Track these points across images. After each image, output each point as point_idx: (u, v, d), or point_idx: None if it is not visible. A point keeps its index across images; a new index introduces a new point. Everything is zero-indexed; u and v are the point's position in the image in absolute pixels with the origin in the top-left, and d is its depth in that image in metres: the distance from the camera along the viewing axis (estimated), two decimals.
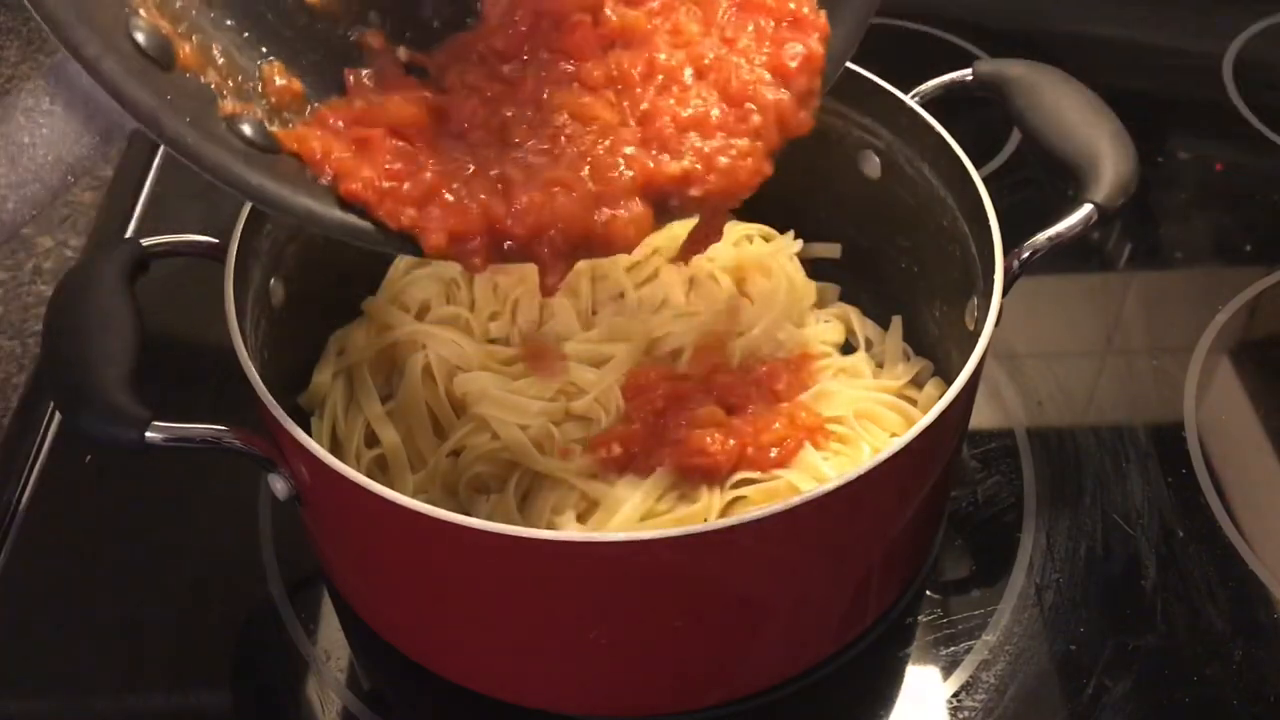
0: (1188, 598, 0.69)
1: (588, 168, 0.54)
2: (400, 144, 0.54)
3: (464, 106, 0.56)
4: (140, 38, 0.48)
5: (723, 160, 0.55)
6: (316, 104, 0.55)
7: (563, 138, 0.55)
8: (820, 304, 0.78)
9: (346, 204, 0.53)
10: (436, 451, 0.67)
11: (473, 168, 0.54)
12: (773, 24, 0.58)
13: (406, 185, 0.53)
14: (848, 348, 0.76)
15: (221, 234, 0.64)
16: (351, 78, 0.56)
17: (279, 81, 0.54)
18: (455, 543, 0.53)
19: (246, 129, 0.52)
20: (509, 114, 0.56)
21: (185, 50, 0.51)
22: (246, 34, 0.54)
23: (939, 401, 0.55)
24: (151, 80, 0.48)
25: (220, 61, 0.52)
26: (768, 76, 0.56)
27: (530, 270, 0.75)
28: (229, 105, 0.52)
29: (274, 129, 0.53)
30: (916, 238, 0.72)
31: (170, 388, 0.77)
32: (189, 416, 0.56)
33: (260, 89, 0.54)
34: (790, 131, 0.56)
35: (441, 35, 0.59)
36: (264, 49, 0.55)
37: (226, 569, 0.71)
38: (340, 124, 0.54)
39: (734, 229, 0.79)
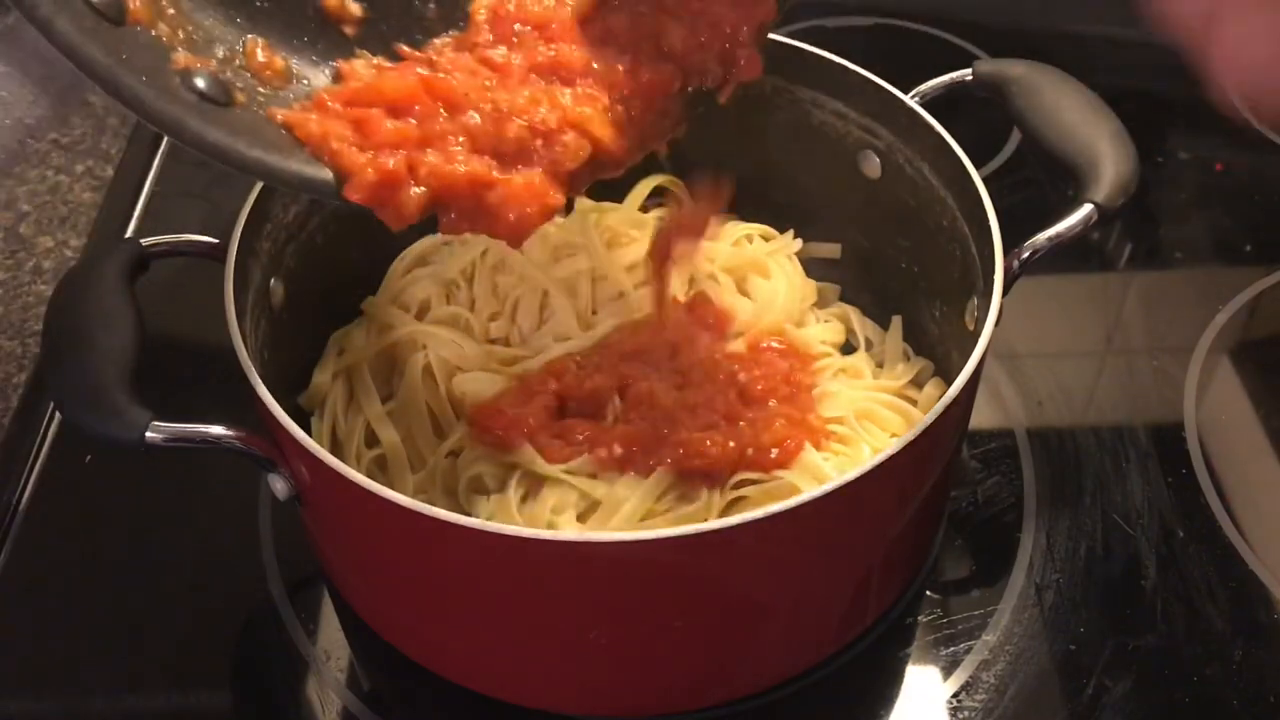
0: (1188, 598, 0.69)
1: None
2: (398, 123, 0.55)
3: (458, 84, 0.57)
4: None
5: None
6: (306, 81, 0.56)
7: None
8: (820, 304, 0.78)
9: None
10: (436, 451, 0.67)
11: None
12: None
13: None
14: (848, 348, 0.76)
15: (221, 234, 0.64)
16: (344, 67, 0.57)
17: (261, 57, 0.55)
18: (455, 543, 0.53)
19: (200, 82, 0.52)
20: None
21: (135, 4, 0.51)
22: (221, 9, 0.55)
23: (939, 401, 0.55)
24: (105, 38, 0.48)
25: (170, 13, 0.52)
26: None
27: (531, 271, 0.76)
28: (182, 59, 0.52)
29: (262, 103, 0.54)
30: (916, 238, 0.72)
31: (170, 388, 0.77)
32: (189, 416, 0.56)
33: (243, 63, 0.54)
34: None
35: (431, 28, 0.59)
36: (238, 20, 0.55)
37: (226, 569, 0.71)
38: (337, 106, 0.55)
39: (734, 229, 0.79)
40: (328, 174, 0.54)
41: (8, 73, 0.49)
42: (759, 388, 0.67)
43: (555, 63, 0.57)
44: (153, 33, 0.51)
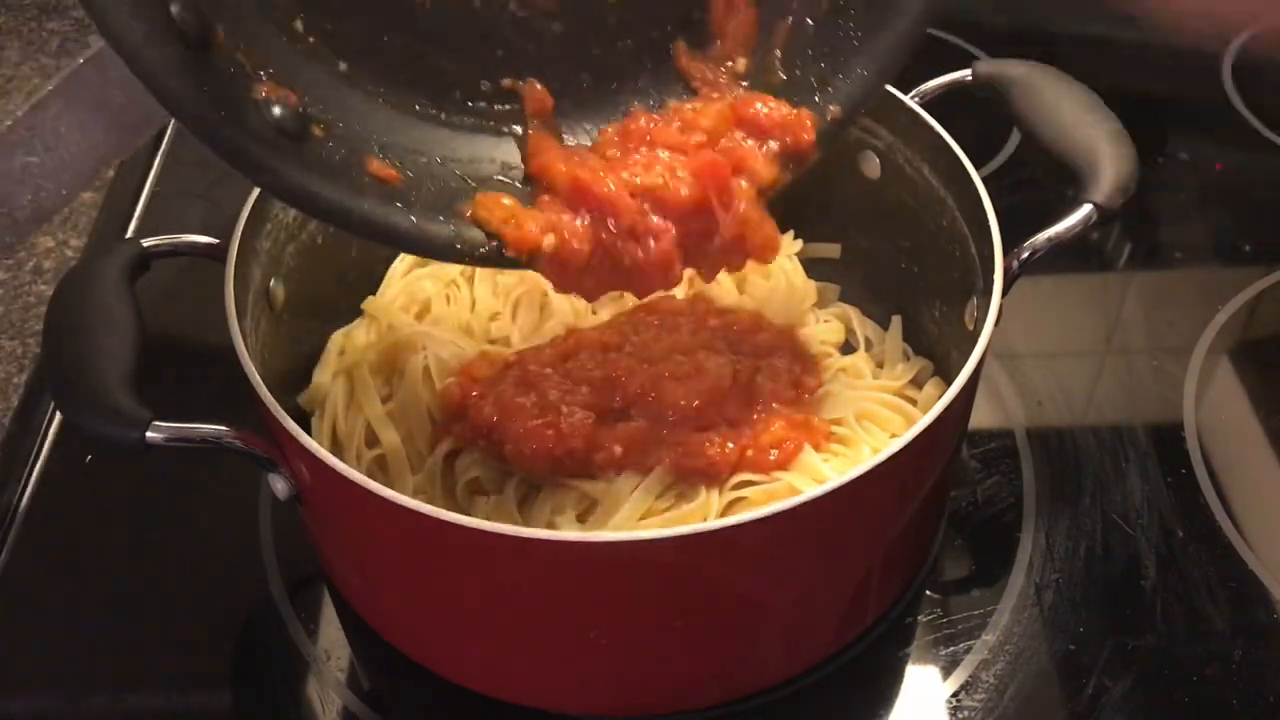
0: (1187, 598, 0.69)
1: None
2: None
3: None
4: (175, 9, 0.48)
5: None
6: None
7: None
8: (820, 304, 0.78)
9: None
10: (433, 453, 0.67)
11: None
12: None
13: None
14: (848, 348, 0.76)
15: (222, 234, 0.64)
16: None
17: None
18: (455, 543, 0.53)
19: (277, 110, 0.52)
20: None
21: (220, 35, 0.50)
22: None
23: (939, 401, 0.55)
24: (188, 68, 0.48)
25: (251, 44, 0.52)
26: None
27: (529, 271, 0.76)
28: (263, 89, 0.52)
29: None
30: (916, 238, 0.72)
31: (170, 388, 0.77)
32: (189, 416, 0.56)
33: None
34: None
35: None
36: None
37: (226, 569, 0.71)
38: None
39: None
40: (444, 231, 0.55)
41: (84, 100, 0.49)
42: (767, 388, 0.67)
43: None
44: (237, 58, 0.51)
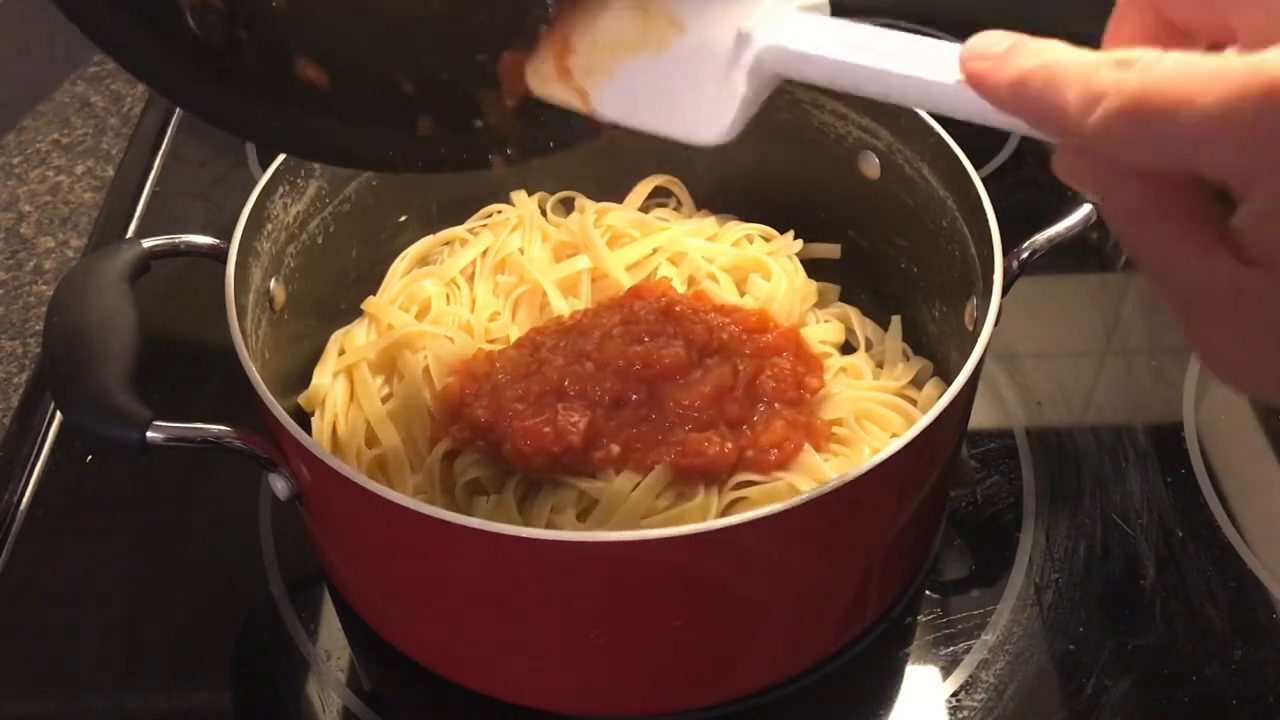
0: (1187, 597, 0.69)
1: None
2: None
3: None
4: None
5: None
6: None
7: None
8: (820, 304, 0.78)
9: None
10: (431, 453, 0.67)
11: None
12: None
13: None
14: (848, 348, 0.76)
15: (222, 234, 0.64)
16: None
17: None
18: (455, 543, 0.53)
19: (201, 18, 0.49)
20: None
21: None
22: None
23: (939, 401, 0.55)
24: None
25: None
26: None
27: (531, 271, 0.76)
28: None
29: None
30: (916, 238, 0.72)
31: (171, 388, 0.78)
32: (190, 416, 0.56)
33: None
34: None
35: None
36: None
37: (226, 569, 0.71)
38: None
39: (734, 229, 0.79)
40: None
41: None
42: (770, 387, 0.67)
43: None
44: None
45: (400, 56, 0.51)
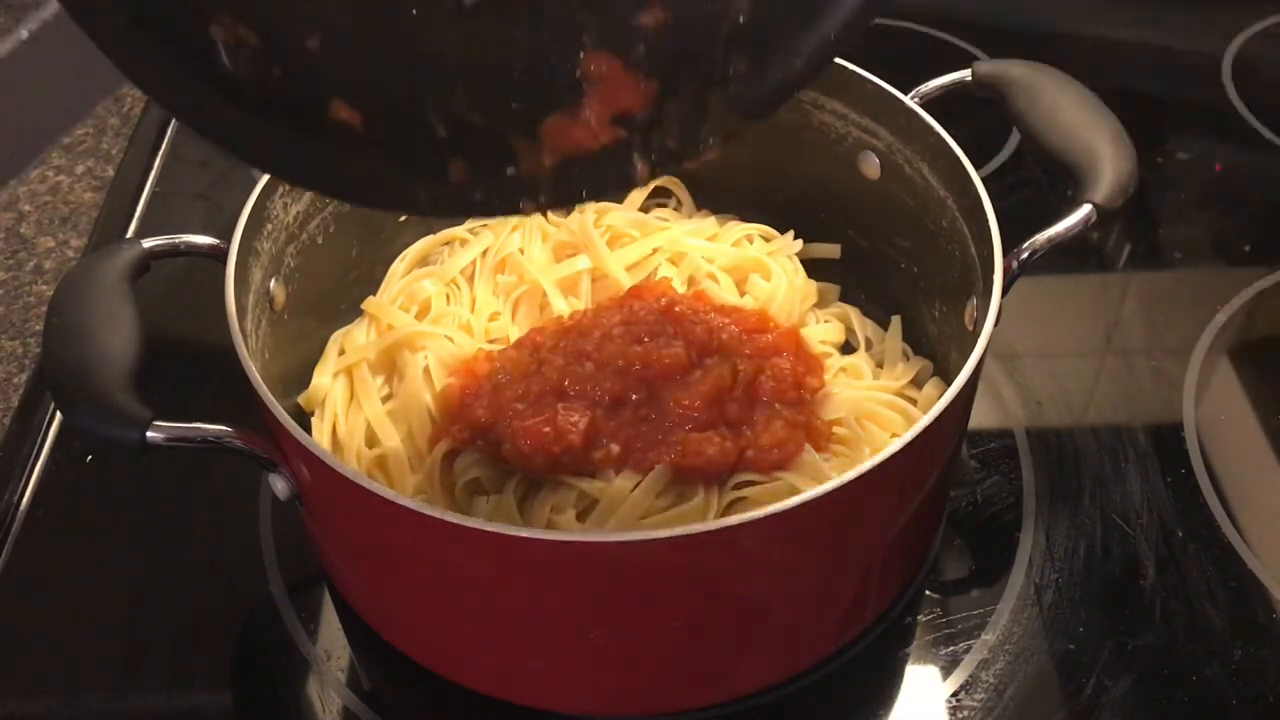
0: (1187, 597, 0.69)
1: None
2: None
3: None
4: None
5: None
6: None
7: None
8: (820, 304, 0.78)
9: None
10: (431, 453, 0.67)
11: None
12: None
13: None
14: (848, 348, 0.76)
15: (222, 234, 0.64)
16: None
17: None
18: (455, 543, 0.53)
19: (234, 53, 0.49)
20: None
21: None
22: None
23: (939, 401, 0.55)
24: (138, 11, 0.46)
25: None
26: None
27: (531, 271, 0.76)
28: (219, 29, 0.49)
29: None
30: (916, 238, 0.72)
31: (171, 388, 0.78)
32: (190, 416, 0.56)
33: None
34: None
35: None
36: None
37: (226, 569, 0.71)
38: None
39: (734, 229, 0.79)
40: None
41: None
42: (770, 387, 0.67)
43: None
44: None
45: (435, 100, 0.51)
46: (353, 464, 0.68)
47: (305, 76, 0.49)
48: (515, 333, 0.74)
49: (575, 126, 0.51)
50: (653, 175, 0.52)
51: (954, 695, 0.65)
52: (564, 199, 0.53)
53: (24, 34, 0.48)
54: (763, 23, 0.51)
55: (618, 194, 0.53)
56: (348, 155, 0.51)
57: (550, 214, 0.80)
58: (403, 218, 0.78)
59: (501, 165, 0.52)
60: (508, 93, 0.51)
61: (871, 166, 0.73)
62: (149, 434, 0.55)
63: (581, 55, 0.50)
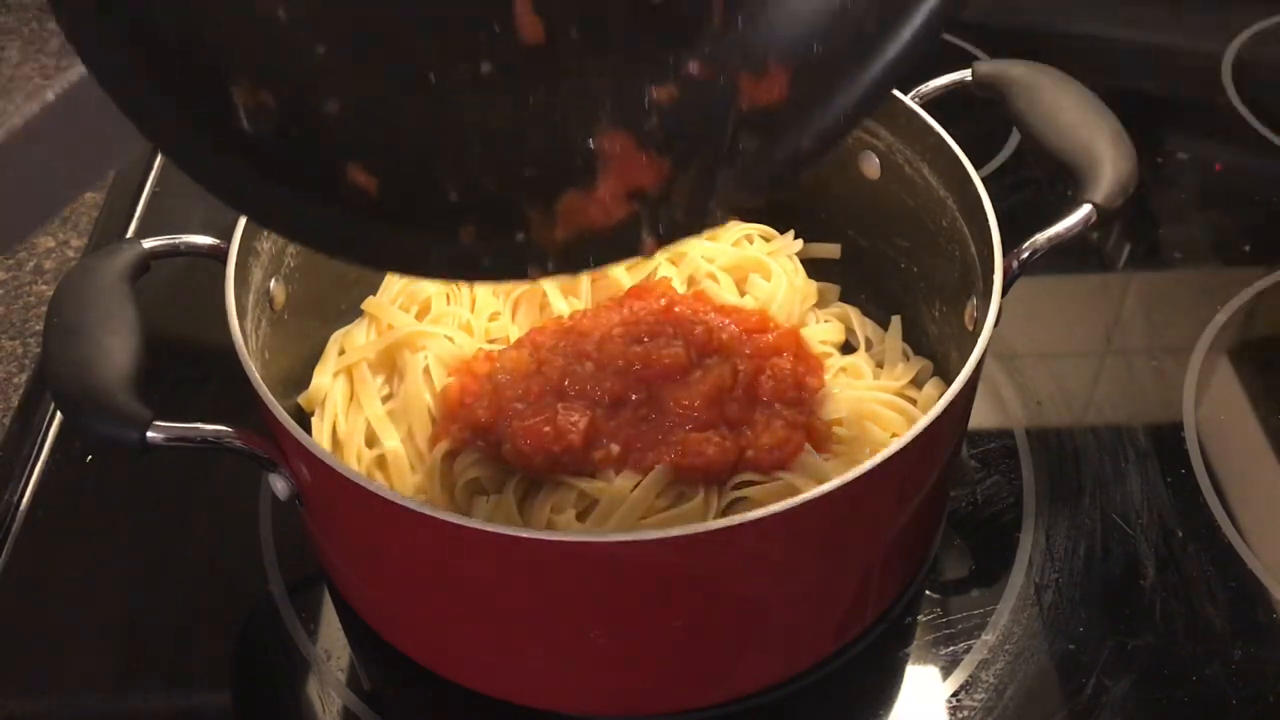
0: (1187, 597, 0.69)
1: None
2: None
3: None
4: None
5: None
6: None
7: None
8: (820, 304, 0.78)
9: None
10: (431, 453, 0.67)
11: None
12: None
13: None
14: (848, 348, 0.76)
15: (222, 234, 0.64)
16: None
17: None
18: (455, 543, 0.53)
19: (253, 115, 0.49)
20: None
21: None
22: None
23: (939, 401, 0.55)
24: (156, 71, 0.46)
25: None
26: None
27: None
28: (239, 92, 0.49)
29: None
30: (916, 238, 0.72)
31: (171, 388, 0.78)
32: (190, 416, 0.56)
33: None
34: None
35: None
36: None
37: (226, 569, 0.71)
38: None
39: (734, 229, 0.79)
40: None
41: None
42: (770, 387, 0.67)
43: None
44: None
45: (450, 164, 0.51)
46: (353, 464, 0.68)
47: (323, 140, 0.49)
48: (515, 333, 0.74)
49: (590, 205, 0.52)
50: (659, 246, 0.52)
51: (954, 695, 0.65)
52: (572, 267, 0.54)
53: (50, 96, 0.48)
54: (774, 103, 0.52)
55: (629, 258, 0.54)
56: (360, 218, 0.51)
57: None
58: None
59: (512, 231, 0.52)
60: (522, 159, 0.51)
61: (871, 166, 0.73)
62: (149, 434, 0.55)
63: (596, 128, 0.50)
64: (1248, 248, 0.90)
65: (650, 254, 0.53)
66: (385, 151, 0.50)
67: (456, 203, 0.51)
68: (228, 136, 0.48)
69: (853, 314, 0.77)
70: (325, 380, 0.72)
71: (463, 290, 0.76)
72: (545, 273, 0.53)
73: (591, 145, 0.51)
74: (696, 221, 0.53)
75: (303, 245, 0.63)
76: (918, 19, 0.50)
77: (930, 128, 0.68)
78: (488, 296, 0.76)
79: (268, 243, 0.66)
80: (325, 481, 0.56)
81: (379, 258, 0.54)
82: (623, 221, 0.52)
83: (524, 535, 0.52)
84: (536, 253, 0.52)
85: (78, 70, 0.50)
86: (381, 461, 0.68)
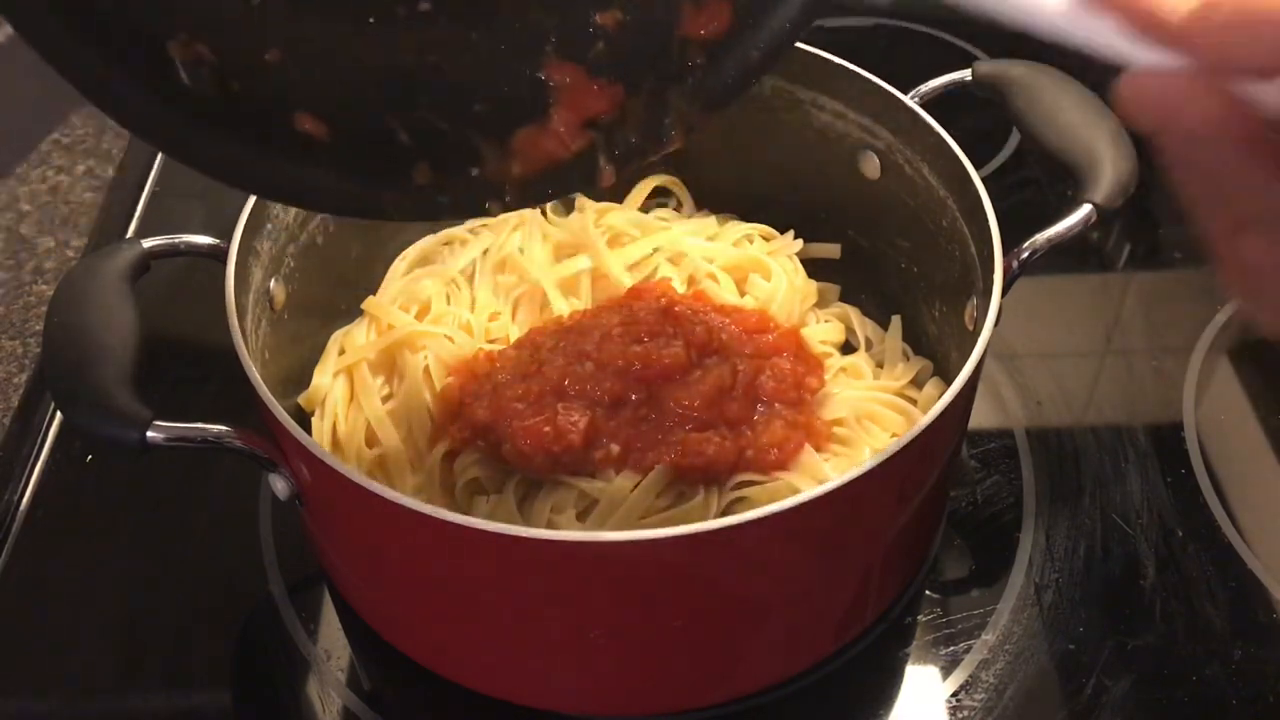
0: (1187, 597, 0.69)
1: None
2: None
3: None
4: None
5: None
6: None
7: None
8: (820, 304, 0.78)
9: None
10: (431, 453, 0.67)
11: None
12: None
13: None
14: (848, 348, 0.76)
15: (222, 234, 0.64)
16: None
17: None
18: (455, 543, 0.53)
19: (192, 70, 0.49)
20: None
21: None
22: None
23: (939, 401, 0.55)
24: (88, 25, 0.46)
25: None
26: None
27: (531, 271, 0.76)
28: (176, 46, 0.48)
29: None
30: (916, 238, 0.72)
31: (171, 388, 0.78)
32: (190, 416, 0.56)
33: None
34: None
35: None
36: None
37: (226, 569, 0.71)
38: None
39: (734, 229, 0.79)
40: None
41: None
42: (769, 388, 0.67)
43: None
44: None
45: (398, 106, 0.51)
46: (353, 464, 0.68)
47: (266, 90, 0.49)
48: (515, 333, 0.74)
49: (545, 138, 0.52)
50: (617, 172, 0.52)
51: (954, 695, 0.65)
52: (530, 199, 0.54)
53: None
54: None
55: (584, 189, 0.53)
56: (311, 165, 0.51)
57: (547, 212, 0.80)
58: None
59: (466, 168, 0.52)
60: (470, 96, 0.51)
61: (871, 166, 0.73)
62: (149, 434, 0.55)
63: (544, 60, 0.50)
64: None
65: (608, 182, 0.53)
66: (330, 97, 0.50)
67: (408, 144, 0.51)
68: (170, 92, 0.48)
69: (853, 314, 0.77)
70: (325, 380, 0.72)
71: (463, 290, 0.76)
72: (503, 206, 0.53)
73: (541, 77, 0.51)
74: (653, 143, 0.53)
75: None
76: None
77: (930, 128, 0.68)
78: (488, 296, 0.76)
79: (268, 243, 0.66)
80: (325, 481, 0.56)
81: (336, 203, 0.54)
82: (580, 151, 0.52)
83: (524, 535, 0.52)
84: (493, 187, 0.52)
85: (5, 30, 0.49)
86: (381, 461, 0.68)
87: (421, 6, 0.49)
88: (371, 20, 0.49)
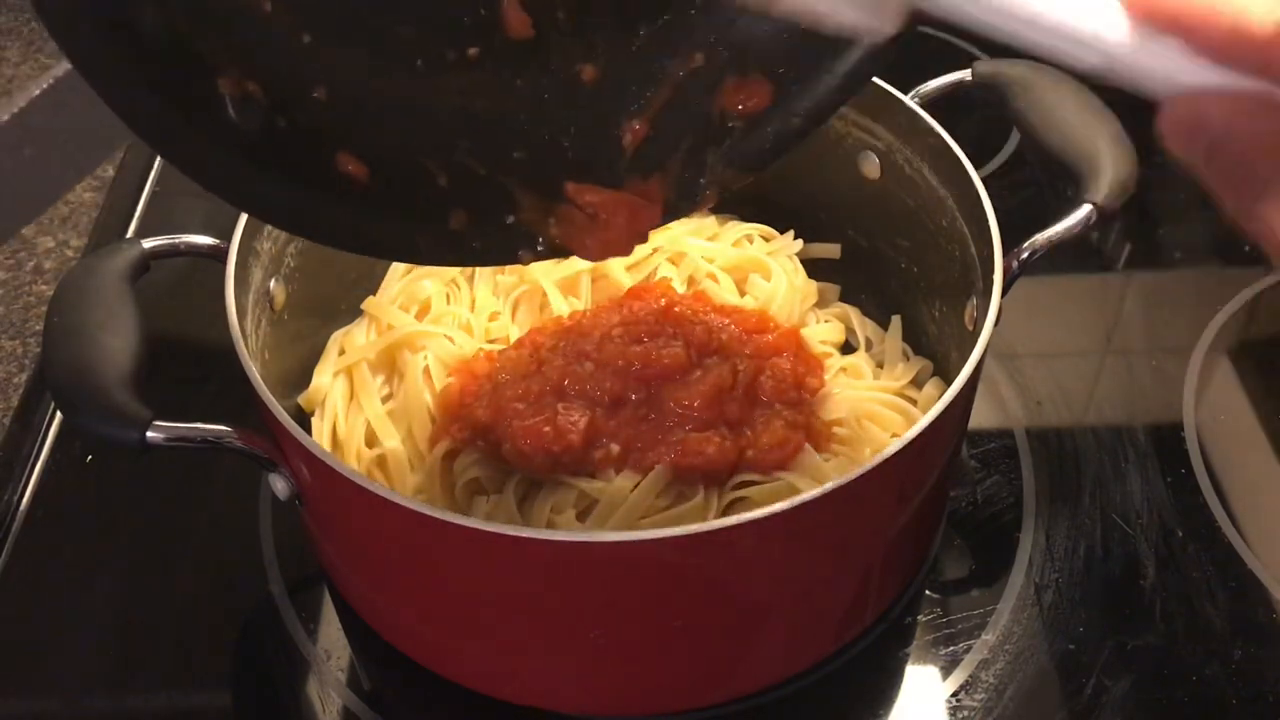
0: (1187, 597, 0.69)
1: None
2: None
3: None
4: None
5: None
6: None
7: None
8: (820, 304, 0.78)
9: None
10: (431, 453, 0.67)
11: None
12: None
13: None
14: (848, 348, 0.76)
15: (222, 234, 0.64)
16: None
17: None
18: (455, 543, 0.53)
19: (240, 106, 0.49)
20: None
21: None
22: None
23: (939, 401, 0.55)
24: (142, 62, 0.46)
25: None
26: None
27: (531, 271, 0.76)
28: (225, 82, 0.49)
29: None
30: (916, 238, 0.72)
31: (171, 388, 0.77)
32: (190, 416, 0.56)
33: None
34: None
35: None
36: None
37: (226, 569, 0.71)
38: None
39: (734, 229, 0.79)
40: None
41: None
42: (770, 387, 0.67)
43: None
44: None
45: (439, 149, 0.51)
46: (353, 464, 0.68)
47: (311, 128, 0.49)
48: (515, 333, 0.74)
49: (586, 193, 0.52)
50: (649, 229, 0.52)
51: (954, 695, 0.65)
52: (563, 250, 0.53)
53: (36, 91, 0.48)
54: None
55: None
56: (351, 206, 0.51)
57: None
58: None
59: (502, 214, 0.52)
60: (510, 142, 0.51)
61: (871, 166, 0.73)
62: (149, 434, 0.55)
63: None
64: (1248, 248, 0.90)
65: (642, 240, 0.53)
66: (374, 139, 0.50)
67: (446, 188, 0.51)
68: (217, 129, 0.48)
69: (853, 314, 0.77)
70: (325, 380, 0.72)
71: (463, 290, 0.76)
72: (536, 256, 0.53)
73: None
74: (688, 202, 0.53)
75: (295, 234, 0.63)
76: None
77: (930, 128, 0.68)
78: (488, 296, 0.76)
79: (268, 243, 0.66)
80: (325, 481, 0.56)
81: (371, 245, 0.54)
82: None
83: (524, 535, 0.52)
84: (527, 235, 0.52)
85: (65, 65, 0.50)
86: (381, 461, 0.68)
87: (470, 52, 0.49)
88: (420, 63, 0.49)
